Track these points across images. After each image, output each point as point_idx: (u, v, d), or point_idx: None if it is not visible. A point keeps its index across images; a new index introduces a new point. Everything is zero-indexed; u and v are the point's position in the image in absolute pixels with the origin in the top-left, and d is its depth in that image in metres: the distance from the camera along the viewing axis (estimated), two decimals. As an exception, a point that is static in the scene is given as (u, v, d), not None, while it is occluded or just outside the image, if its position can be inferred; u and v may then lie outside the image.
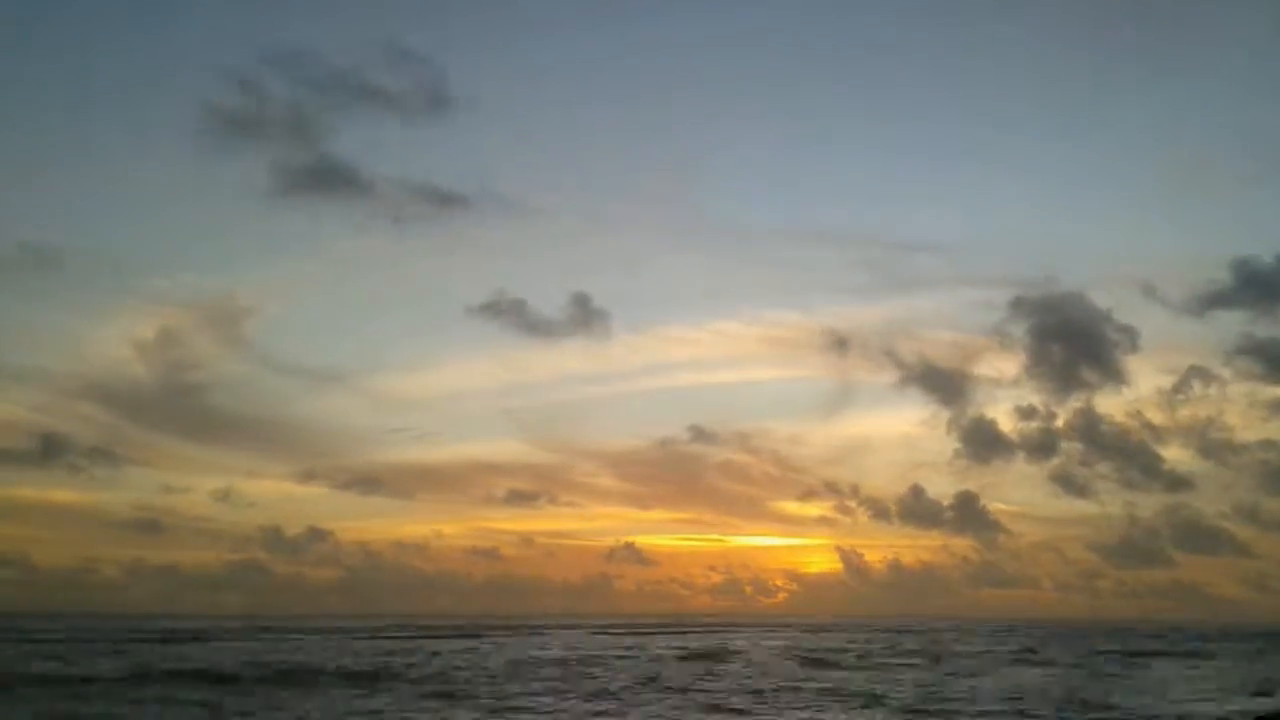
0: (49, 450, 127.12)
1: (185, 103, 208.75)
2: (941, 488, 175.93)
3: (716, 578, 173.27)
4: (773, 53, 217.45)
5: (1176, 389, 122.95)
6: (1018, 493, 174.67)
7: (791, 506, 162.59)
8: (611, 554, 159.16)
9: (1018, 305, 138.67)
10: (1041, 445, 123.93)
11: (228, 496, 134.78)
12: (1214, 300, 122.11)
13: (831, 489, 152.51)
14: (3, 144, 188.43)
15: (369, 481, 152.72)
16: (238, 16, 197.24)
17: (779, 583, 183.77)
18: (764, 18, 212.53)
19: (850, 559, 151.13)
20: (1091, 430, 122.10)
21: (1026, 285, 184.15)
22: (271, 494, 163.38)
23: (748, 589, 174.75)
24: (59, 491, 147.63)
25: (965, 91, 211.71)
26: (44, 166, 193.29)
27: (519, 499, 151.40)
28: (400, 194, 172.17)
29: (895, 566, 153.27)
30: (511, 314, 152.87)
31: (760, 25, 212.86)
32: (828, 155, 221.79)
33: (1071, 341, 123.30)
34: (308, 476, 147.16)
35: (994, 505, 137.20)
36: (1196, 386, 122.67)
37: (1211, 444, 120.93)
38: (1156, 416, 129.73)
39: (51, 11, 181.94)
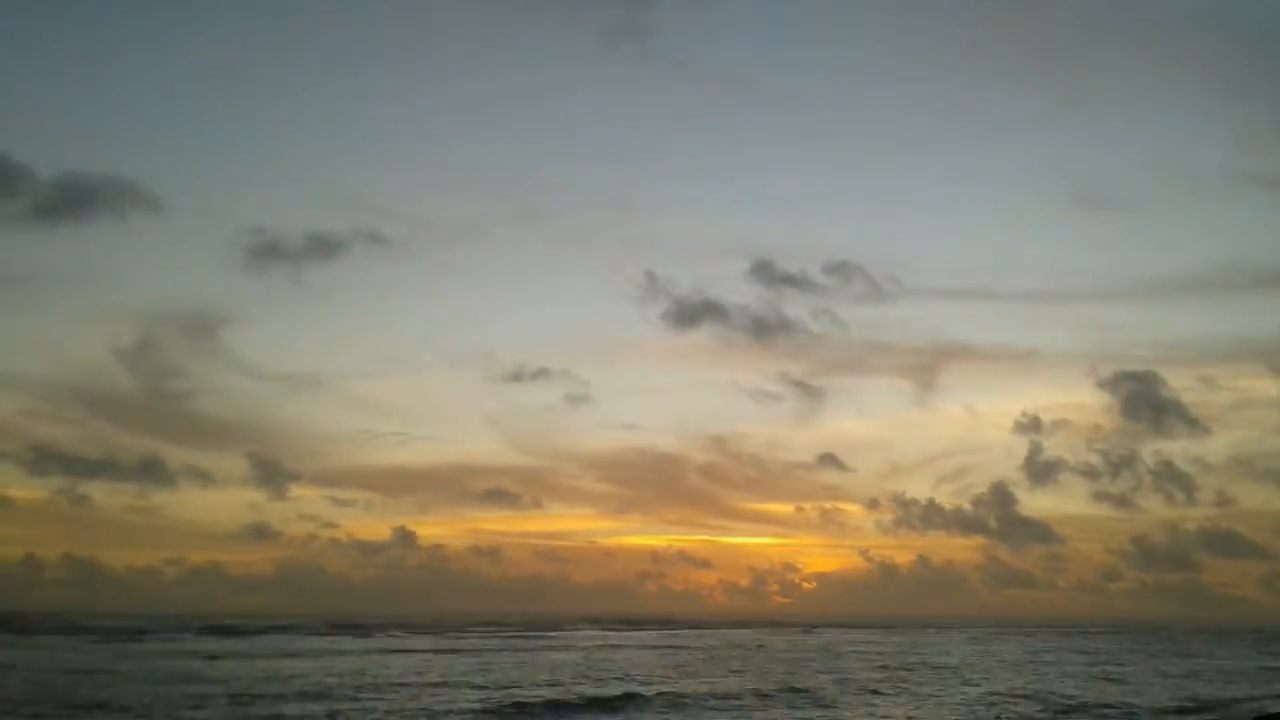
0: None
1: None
2: (953, 489, 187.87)
3: (742, 578, 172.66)
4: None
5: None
6: (1062, 501, 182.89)
7: (784, 508, 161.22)
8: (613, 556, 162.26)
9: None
10: (1042, 451, 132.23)
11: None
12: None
13: (835, 491, 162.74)
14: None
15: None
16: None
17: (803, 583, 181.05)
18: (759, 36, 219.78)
19: (869, 560, 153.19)
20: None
21: (984, 297, 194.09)
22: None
23: (773, 588, 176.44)
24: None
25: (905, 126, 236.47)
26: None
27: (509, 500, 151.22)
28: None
29: (921, 566, 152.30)
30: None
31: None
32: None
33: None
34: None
35: (1029, 511, 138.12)
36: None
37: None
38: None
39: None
